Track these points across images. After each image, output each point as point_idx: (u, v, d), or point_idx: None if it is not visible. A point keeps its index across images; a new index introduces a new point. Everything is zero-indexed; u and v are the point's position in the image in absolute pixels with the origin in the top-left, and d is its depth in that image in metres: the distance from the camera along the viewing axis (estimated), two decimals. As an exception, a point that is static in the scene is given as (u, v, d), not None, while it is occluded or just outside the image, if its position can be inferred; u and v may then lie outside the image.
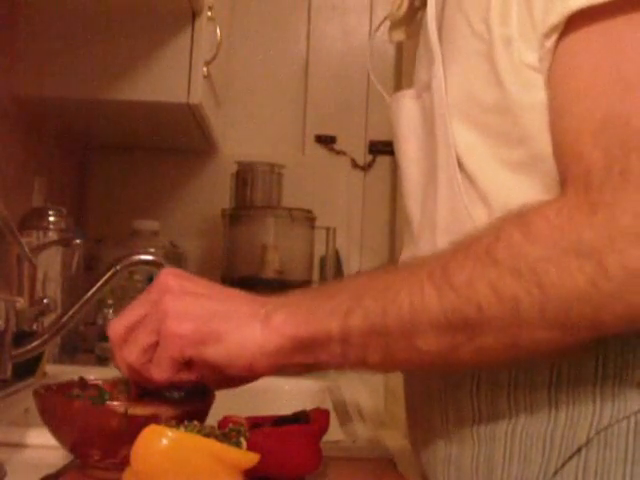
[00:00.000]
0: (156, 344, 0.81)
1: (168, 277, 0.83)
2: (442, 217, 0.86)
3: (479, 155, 0.83)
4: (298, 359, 0.80)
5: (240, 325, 0.79)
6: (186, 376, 0.82)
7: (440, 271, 0.74)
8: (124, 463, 0.77)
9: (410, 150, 0.93)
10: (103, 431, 0.83)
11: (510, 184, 0.81)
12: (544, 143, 0.78)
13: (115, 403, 0.85)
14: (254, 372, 0.80)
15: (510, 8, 0.79)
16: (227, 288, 0.85)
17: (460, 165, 0.84)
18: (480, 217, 0.82)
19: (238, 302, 0.82)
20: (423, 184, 0.90)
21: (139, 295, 0.85)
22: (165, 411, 0.84)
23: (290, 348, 0.79)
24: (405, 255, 0.96)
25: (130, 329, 0.83)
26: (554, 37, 0.75)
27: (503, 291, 0.71)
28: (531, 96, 0.78)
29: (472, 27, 0.83)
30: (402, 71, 2.31)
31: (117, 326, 0.84)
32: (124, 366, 0.84)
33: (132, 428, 0.79)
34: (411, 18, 1.00)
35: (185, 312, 0.80)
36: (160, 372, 0.81)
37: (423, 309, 0.74)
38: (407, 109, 0.93)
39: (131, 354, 0.82)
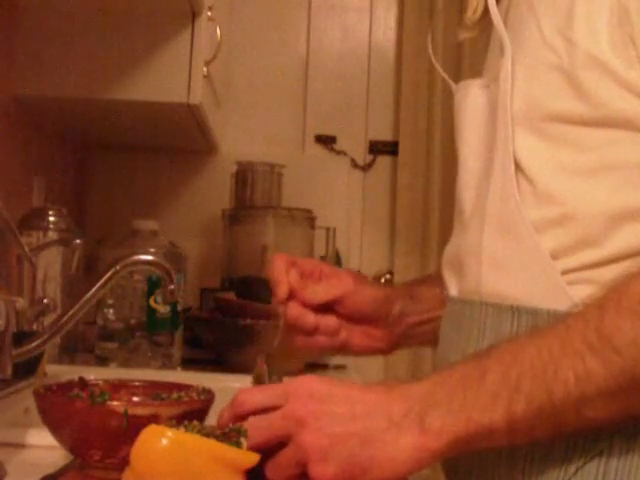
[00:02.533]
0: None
1: (301, 400, 0.78)
2: (492, 206, 0.87)
3: (540, 159, 0.84)
4: (456, 453, 0.77)
5: (388, 444, 0.75)
6: None
7: (596, 336, 0.73)
8: (124, 463, 0.77)
9: (471, 139, 0.93)
10: (103, 431, 0.83)
11: (581, 189, 0.81)
12: (622, 150, 0.79)
13: (115, 403, 0.85)
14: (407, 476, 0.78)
15: (597, 23, 0.79)
16: (362, 391, 0.79)
17: (517, 165, 0.84)
18: (530, 214, 0.83)
19: (379, 413, 0.76)
20: (479, 173, 0.91)
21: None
22: (165, 411, 0.84)
23: (450, 449, 0.76)
24: (452, 243, 0.96)
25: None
26: None
27: None
28: (624, 108, 0.79)
29: (543, 35, 0.83)
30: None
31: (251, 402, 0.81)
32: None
33: (132, 428, 0.79)
34: (485, 13, 0.99)
35: (327, 450, 0.75)
36: None
37: (590, 380, 0.73)
38: (473, 98, 0.93)
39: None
